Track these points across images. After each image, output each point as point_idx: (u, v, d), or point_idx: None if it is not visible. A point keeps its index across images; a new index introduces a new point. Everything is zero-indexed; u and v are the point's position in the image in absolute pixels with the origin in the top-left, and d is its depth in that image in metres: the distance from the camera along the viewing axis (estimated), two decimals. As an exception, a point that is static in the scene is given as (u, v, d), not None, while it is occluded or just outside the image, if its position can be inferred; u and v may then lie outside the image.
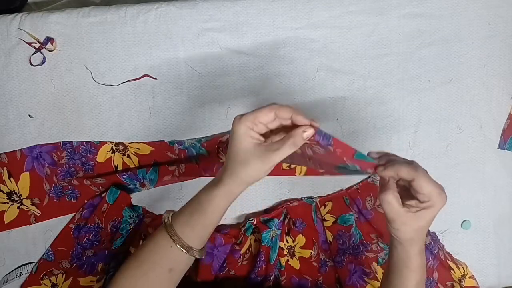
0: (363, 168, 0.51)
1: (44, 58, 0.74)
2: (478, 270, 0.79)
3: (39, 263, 0.75)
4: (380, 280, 0.74)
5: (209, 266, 0.72)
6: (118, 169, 0.76)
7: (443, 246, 0.79)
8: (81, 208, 0.75)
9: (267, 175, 0.50)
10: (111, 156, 0.76)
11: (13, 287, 0.76)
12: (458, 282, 0.78)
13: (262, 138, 0.50)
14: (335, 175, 0.56)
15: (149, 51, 0.75)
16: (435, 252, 0.76)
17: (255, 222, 0.75)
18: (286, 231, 0.76)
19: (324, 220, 0.77)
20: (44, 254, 0.75)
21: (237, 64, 0.76)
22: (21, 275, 0.75)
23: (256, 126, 0.48)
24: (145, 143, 0.76)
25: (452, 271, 0.77)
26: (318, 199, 0.77)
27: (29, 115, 0.75)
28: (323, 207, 0.77)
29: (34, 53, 0.74)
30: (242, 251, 0.73)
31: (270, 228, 0.73)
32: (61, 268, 0.74)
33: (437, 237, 0.79)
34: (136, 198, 0.77)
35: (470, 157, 0.79)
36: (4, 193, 0.75)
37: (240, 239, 0.74)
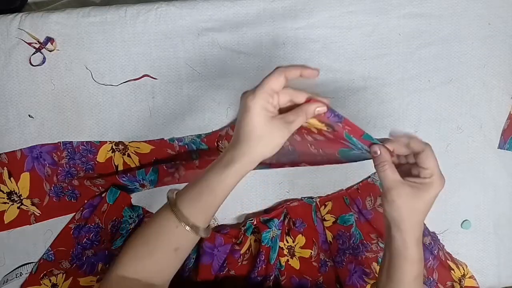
0: (369, 147, 0.51)
1: (44, 58, 0.74)
2: (478, 270, 0.79)
3: (39, 263, 0.75)
4: (380, 280, 0.74)
5: (209, 266, 0.72)
6: (118, 168, 0.76)
7: (443, 246, 0.79)
8: (81, 208, 0.75)
9: (271, 168, 0.50)
10: (111, 156, 0.76)
11: (13, 287, 0.76)
12: (458, 282, 0.78)
13: (276, 111, 0.49)
14: (335, 162, 0.56)
15: (149, 51, 0.75)
16: (435, 252, 0.76)
17: (255, 222, 0.75)
18: (286, 231, 0.76)
19: (324, 220, 0.77)
20: (44, 254, 0.75)
21: (237, 64, 0.76)
22: (21, 275, 0.75)
23: (271, 97, 0.48)
24: (145, 141, 0.76)
25: (452, 271, 0.77)
26: (318, 199, 0.77)
27: (29, 115, 0.75)
28: (323, 207, 0.77)
29: (34, 53, 0.74)
30: (242, 251, 0.73)
31: (270, 228, 0.73)
32: (61, 268, 0.74)
33: (437, 237, 0.79)
34: (136, 198, 0.77)
35: (470, 157, 0.79)
36: (4, 193, 0.75)
37: (240, 239, 0.74)
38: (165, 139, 0.76)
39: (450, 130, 0.79)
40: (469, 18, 0.77)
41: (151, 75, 0.75)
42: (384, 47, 0.77)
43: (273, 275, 0.73)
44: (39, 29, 0.73)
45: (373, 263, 0.75)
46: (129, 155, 0.76)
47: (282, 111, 0.50)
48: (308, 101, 0.49)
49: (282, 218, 0.75)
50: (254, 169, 0.50)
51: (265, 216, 0.76)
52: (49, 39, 0.74)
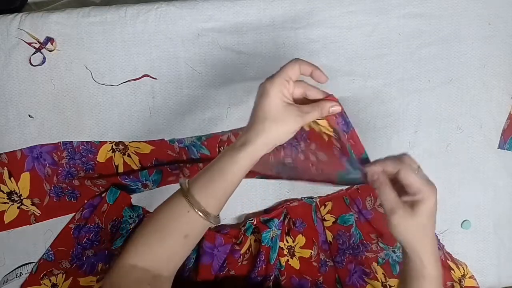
0: (363, 172, 0.52)
1: (44, 58, 0.74)
2: (478, 270, 0.79)
3: (39, 263, 0.75)
4: (380, 280, 0.74)
5: (209, 266, 0.72)
6: (118, 168, 0.76)
7: (443, 246, 0.79)
8: (81, 208, 0.75)
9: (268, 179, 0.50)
10: (112, 156, 0.76)
11: (13, 287, 0.76)
12: (458, 282, 0.78)
13: (291, 99, 0.50)
14: (331, 183, 0.57)
15: (149, 51, 0.75)
16: (435, 252, 0.76)
17: (255, 222, 0.75)
18: (286, 231, 0.76)
19: (324, 220, 0.77)
20: (44, 254, 0.75)
21: (237, 64, 0.76)
22: (21, 275, 0.75)
23: (288, 83, 0.49)
24: (145, 142, 0.76)
25: (452, 271, 0.77)
26: (318, 199, 0.77)
27: (29, 115, 0.75)
28: (323, 207, 0.77)
29: (34, 53, 0.74)
30: (242, 251, 0.73)
31: (270, 228, 0.73)
32: (61, 268, 0.74)
33: (437, 237, 0.79)
34: (136, 198, 0.77)
35: (470, 157, 0.79)
36: (4, 193, 0.75)
37: (240, 239, 0.74)
38: (165, 139, 0.76)
39: (450, 130, 0.79)
40: (469, 18, 0.77)
41: (151, 75, 0.75)
42: (384, 47, 0.77)
43: (273, 275, 0.73)
44: (39, 29, 0.73)
45: (373, 263, 0.75)
46: (129, 155, 0.76)
47: (296, 103, 0.51)
48: (324, 98, 0.51)
49: (282, 218, 0.75)
50: (254, 177, 0.50)
51: (265, 216, 0.76)
52: (49, 39, 0.74)
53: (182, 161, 0.76)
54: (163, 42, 0.75)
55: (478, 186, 0.79)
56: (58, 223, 0.76)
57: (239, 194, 0.77)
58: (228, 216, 0.78)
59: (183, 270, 0.73)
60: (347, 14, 0.75)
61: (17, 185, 0.75)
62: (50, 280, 0.74)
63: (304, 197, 0.78)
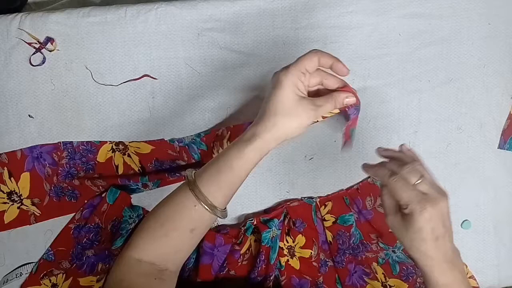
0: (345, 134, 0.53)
1: (44, 58, 0.74)
2: (478, 270, 0.79)
3: (39, 263, 0.75)
4: (380, 280, 0.74)
5: (209, 266, 0.72)
6: (118, 168, 0.76)
7: (443, 246, 0.79)
8: (81, 208, 0.75)
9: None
10: (112, 156, 0.76)
11: (13, 287, 0.76)
12: (458, 282, 0.77)
13: (306, 92, 0.49)
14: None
15: (149, 51, 0.75)
16: (435, 252, 0.76)
17: (255, 222, 0.75)
18: (286, 231, 0.76)
19: (324, 220, 0.77)
20: (44, 254, 0.75)
21: (237, 64, 0.76)
22: (21, 275, 0.75)
23: (304, 75, 0.47)
24: (145, 142, 0.76)
25: (452, 271, 0.77)
26: (318, 199, 0.77)
27: (29, 115, 0.75)
28: (323, 207, 0.77)
29: (34, 53, 0.74)
30: (242, 251, 0.73)
31: (270, 228, 0.73)
32: (61, 268, 0.74)
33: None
34: (136, 198, 0.77)
35: (470, 157, 0.79)
36: (4, 193, 0.75)
37: (240, 239, 0.74)
38: (165, 139, 0.76)
39: (450, 130, 0.79)
40: (469, 18, 0.77)
41: (151, 75, 0.75)
42: (384, 47, 0.77)
43: (273, 275, 0.73)
44: (39, 29, 0.73)
45: (373, 263, 0.75)
46: (129, 155, 0.76)
47: (310, 95, 0.50)
48: (339, 89, 0.50)
49: (282, 218, 0.75)
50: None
51: (265, 216, 0.76)
52: (49, 39, 0.74)
53: (182, 167, 0.76)
54: (163, 42, 0.75)
55: (478, 186, 0.79)
56: (58, 223, 0.76)
57: (239, 194, 0.76)
58: (228, 216, 0.78)
59: (183, 270, 0.73)
60: (347, 14, 0.75)
61: (17, 185, 0.75)
62: (50, 280, 0.74)
63: (304, 197, 0.78)
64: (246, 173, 0.49)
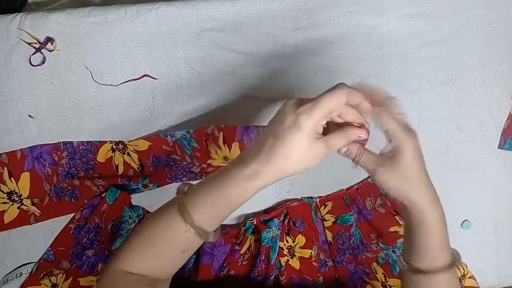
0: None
1: (44, 58, 0.74)
2: (478, 270, 0.79)
3: (39, 263, 0.75)
4: (380, 280, 0.74)
5: (209, 266, 0.72)
6: (118, 168, 0.76)
7: (443, 246, 0.79)
8: (81, 208, 0.75)
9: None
10: (112, 156, 0.76)
11: (13, 287, 0.76)
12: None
13: (321, 131, 0.46)
14: None
15: (149, 51, 0.75)
16: (435, 252, 0.76)
17: (255, 222, 0.75)
18: (286, 231, 0.76)
19: (324, 220, 0.77)
20: (44, 254, 0.75)
21: (237, 64, 0.76)
22: (21, 275, 0.75)
23: (326, 118, 0.45)
24: (143, 138, 0.75)
25: (452, 271, 0.77)
26: (318, 199, 0.77)
27: (29, 115, 0.75)
28: (323, 207, 0.77)
29: (34, 53, 0.74)
30: (242, 251, 0.73)
31: (270, 228, 0.73)
32: (61, 268, 0.74)
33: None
34: (136, 198, 0.77)
35: (470, 157, 0.79)
36: (4, 193, 0.75)
37: (240, 239, 0.74)
38: (160, 135, 0.75)
39: (450, 130, 0.79)
40: (469, 18, 0.77)
41: (151, 75, 0.75)
42: (384, 47, 0.77)
43: (273, 275, 0.73)
44: (39, 29, 0.73)
45: (373, 263, 0.75)
46: (128, 154, 0.76)
47: None
48: (353, 124, 0.47)
49: (282, 218, 0.75)
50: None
51: (265, 216, 0.76)
52: (49, 39, 0.74)
53: (174, 153, 0.75)
54: (163, 42, 0.75)
55: (478, 186, 0.79)
56: (58, 223, 0.76)
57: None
58: (228, 216, 0.78)
59: (183, 270, 0.73)
60: (347, 14, 0.75)
61: (17, 185, 0.75)
62: (50, 280, 0.74)
63: (304, 197, 0.78)
64: (241, 204, 0.48)
